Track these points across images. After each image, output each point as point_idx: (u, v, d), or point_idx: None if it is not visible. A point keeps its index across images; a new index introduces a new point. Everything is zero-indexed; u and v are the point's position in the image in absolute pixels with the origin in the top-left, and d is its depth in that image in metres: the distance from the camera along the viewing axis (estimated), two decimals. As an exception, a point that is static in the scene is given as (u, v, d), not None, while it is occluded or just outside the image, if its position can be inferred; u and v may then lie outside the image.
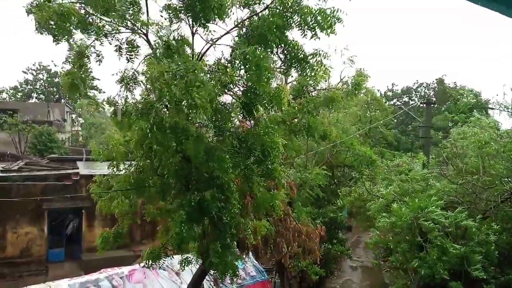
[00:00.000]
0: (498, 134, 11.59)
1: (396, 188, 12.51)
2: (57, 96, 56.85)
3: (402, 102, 46.76)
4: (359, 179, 18.72)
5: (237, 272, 7.88)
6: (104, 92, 9.40)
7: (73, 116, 53.16)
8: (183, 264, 7.96)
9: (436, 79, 45.55)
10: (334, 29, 6.79)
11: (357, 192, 16.45)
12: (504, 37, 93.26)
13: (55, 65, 54.14)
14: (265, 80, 6.48)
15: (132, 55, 6.91)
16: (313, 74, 7.36)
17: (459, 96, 35.10)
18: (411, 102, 45.14)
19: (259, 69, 6.24)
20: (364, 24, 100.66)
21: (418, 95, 47.44)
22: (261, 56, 6.25)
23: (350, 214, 21.83)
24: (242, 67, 6.58)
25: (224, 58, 7.04)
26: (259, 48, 6.54)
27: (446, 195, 11.89)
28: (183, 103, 6.10)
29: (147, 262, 7.92)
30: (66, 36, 6.31)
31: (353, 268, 21.76)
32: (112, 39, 6.79)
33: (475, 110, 18.10)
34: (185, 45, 6.94)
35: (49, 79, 56.86)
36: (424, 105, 24.00)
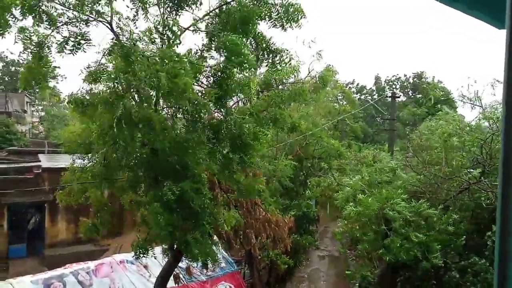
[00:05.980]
0: (460, 127, 12.10)
1: (364, 178, 12.82)
2: (12, 86, 54.16)
3: (372, 96, 47.53)
4: (328, 170, 19.06)
5: (217, 259, 7.97)
6: (66, 77, 9.11)
7: (34, 107, 50.94)
8: (165, 254, 8.10)
9: (414, 73, 46.95)
10: (300, 24, 7.15)
11: (326, 182, 16.73)
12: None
13: (11, 53, 51.62)
14: (247, 67, 6.55)
15: (79, 47, 6.56)
16: (281, 68, 7.53)
17: (430, 91, 36.26)
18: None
19: (241, 56, 6.29)
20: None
21: (397, 88, 48.19)
22: (243, 44, 6.33)
23: (318, 204, 22.24)
24: (223, 54, 6.62)
25: (202, 44, 7.04)
26: (239, 37, 6.55)
27: (410, 185, 12.34)
28: (159, 92, 6.02)
29: (137, 254, 7.84)
30: (7, 28, 6.11)
31: (321, 257, 22.24)
32: (64, 30, 6.51)
33: (440, 105, 18.76)
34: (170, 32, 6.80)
35: (5, 68, 54.11)
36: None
